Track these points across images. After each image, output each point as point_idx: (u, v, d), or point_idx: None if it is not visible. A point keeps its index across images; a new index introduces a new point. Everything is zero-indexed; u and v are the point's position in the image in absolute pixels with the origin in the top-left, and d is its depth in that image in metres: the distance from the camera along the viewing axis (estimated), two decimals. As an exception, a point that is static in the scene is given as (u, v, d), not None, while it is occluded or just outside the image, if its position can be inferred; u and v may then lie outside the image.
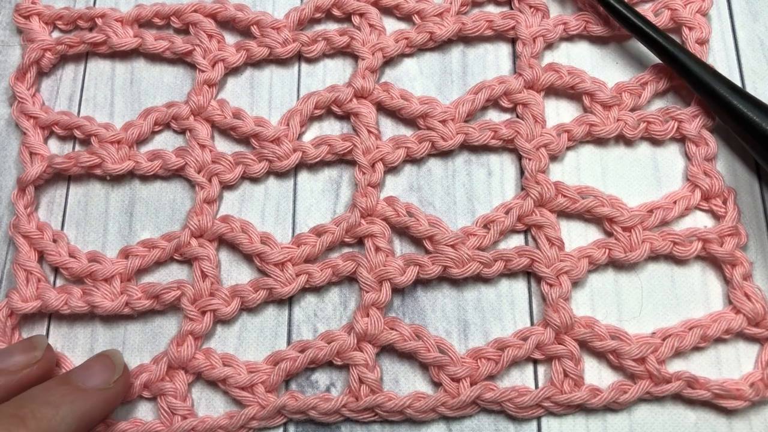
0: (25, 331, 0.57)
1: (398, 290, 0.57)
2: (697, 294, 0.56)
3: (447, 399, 0.53)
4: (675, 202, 0.57)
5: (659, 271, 0.57)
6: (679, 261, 0.57)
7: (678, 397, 0.54)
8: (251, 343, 0.57)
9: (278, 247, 0.57)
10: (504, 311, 0.57)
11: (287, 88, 0.62)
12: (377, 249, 0.56)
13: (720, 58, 0.62)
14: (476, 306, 0.57)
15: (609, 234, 0.57)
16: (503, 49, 0.63)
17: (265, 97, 0.62)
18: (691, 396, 0.53)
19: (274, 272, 0.56)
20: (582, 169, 0.60)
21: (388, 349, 0.56)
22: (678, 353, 0.54)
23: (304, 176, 0.60)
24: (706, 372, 0.54)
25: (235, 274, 0.58)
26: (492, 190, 0.59)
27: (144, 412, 0.55)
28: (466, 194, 0.59)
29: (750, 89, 0.61)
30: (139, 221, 0.60)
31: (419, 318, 0.57)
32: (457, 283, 0.57)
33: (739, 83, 0.61)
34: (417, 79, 0.62)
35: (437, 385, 0.54)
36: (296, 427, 0.55)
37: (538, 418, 0.54)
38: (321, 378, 0.56)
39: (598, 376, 0.55)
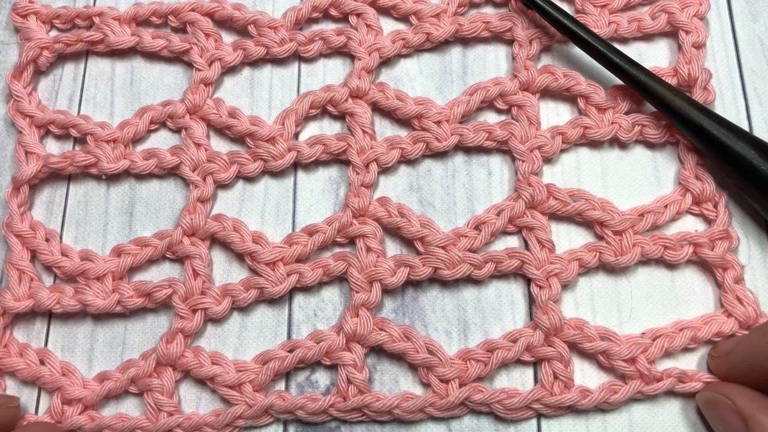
0: (24, 330, 0.58)
1: (398, 290, 0.57)
2: (697, 296, 0.56)
3: (435, 400, 0.53)
4: (666, 206, 0.57)
5: (659, 273, 0.57)
6: (674, 264, 0.57)
7: (677, 397, 0.54)
8: (251, 343, 0.57)
9: (270, 246, 0.57)
10: (504, 311, 0.57)
11: (287, 89, 0.63)
12: (368, 249, 0.56)
13: (720, 58, 0.62)
14: (476, 306, 0.57)
15: (600, 238, 0.57)
16: (502, 50, 0.63)
17: (265, 97, 0.62)
18: (683, 390, 0.53)
19: (265, 271, 0.56)
20: (582, 171, 0.59)
21: (384, 357, 0.56)
22: (669, 353, 0.54)
23: (304, 176, 0.60)
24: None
25: (235, 273, 0.58)
26: (492, 190, 0.59)
27: (131, 407, 0.56)
28: (466, 194, 0.59)
29: (750, 89, 0.61)
30: (139, 221, 0.60)
31: (419, 318, 0.57)
32: (457, 283, 0.57)
33: (739, 83, 0.61)
34: (417, 79, 0.62)
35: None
36: (296, 427, 0.55)
37: (538, 418, 0.54)
38: (321, 378, 0.56)
39: (597, 377, 0.55)
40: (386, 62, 0.62)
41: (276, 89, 0.63)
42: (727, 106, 0.60)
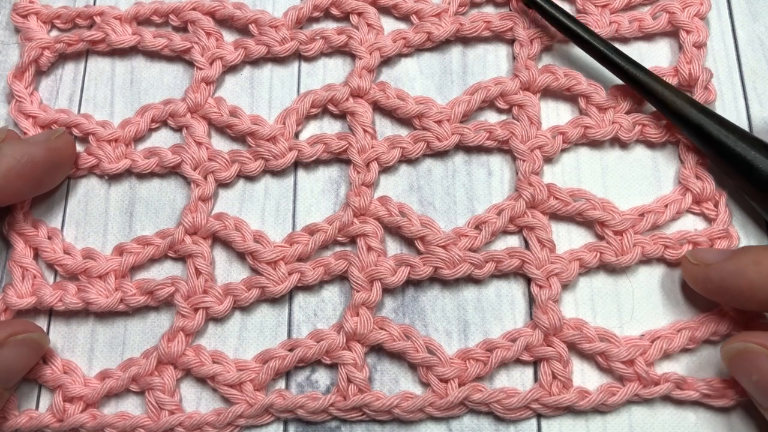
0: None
1: (398, 290, 0.57)
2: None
3: (435, 399, 0.53)
4: (666, 206, 0.57)
5: (659, 272, 0.57)
6: (674, 264, 0.57)
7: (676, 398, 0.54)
8: (251, 343, 0.57)
9: (271, 245, 0.57)
10: (504, 311, 0.57)
11: (287, 88, 0.63)
12: (369, 248, 0.56)
13: (720, 58, 0.62)
14: (476, 306, 0.57)
15: (601, 238, 0.57)
16: (503, 50, 0.63)
17: (265, 97, 0.62)
18: (680, 397, 0.53)
19: (266, 271, 0.56)
20: (582, 171, 0.60)
21: (385, 356, 0.56)
22: (668, 355, 0.54)
23: (304, 176, 0.60)
24: (713, 368, 0.55)
25: (235, 273, 0.58)
26: (492, 190, 0.59)
27: (132, 406, 0.56)
28: (466, 194, 0.59)
29: (750, 89, 0.61)
30: (139, 221, 0.60)
31: (419, 318, 0.57)
32: (457, 282, 0.57)
33: (739, 83, 0.61)
34: (417, 79, 0.62)
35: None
36: (296, 427, 0.55)
37: (538, 419, 0.54)
38: (321, 378, 0.56)
39: (597, 378, 0.55)
40: (386, 62, 0.63)
41: (276, 89, 0.63)
42: (727, 106, 0.60)
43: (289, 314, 0.57)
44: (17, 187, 0.55)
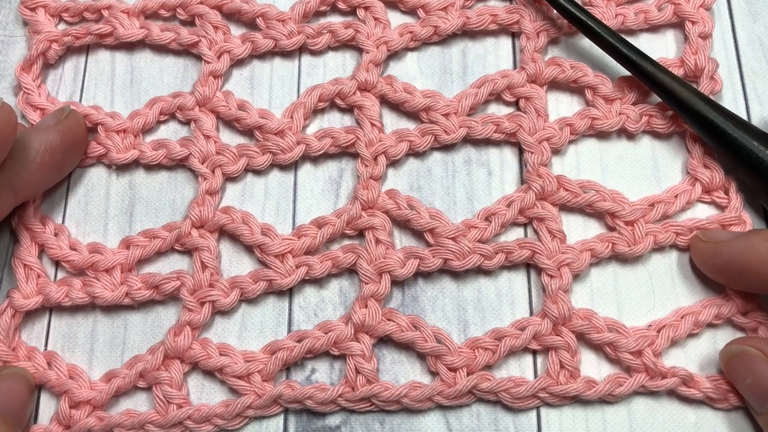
0: (24, 329, 0.57)
1: (398, 290, 0.57)
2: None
3: (443, 388, 0.53)
4: (676, 196, 0.57)
5: (665, 262, 0.57)
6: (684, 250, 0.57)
7: (678, 396, 0.54)
8: (251, 343, 0.57)
9: (279, 238, 0.57)
10: (504, 311, 0.57)
11: (287, 89, 0.63)
12: (377, 241, 0.56)
13: (720, 58, 0.61)
14: (476, 306, 0.57)
15: (611, 229, 0.57)
16: (503, 49, 0.63)
17: (265, 97, 0.62)
18: (685, 394, 0.53)
19: (274, 264, 0.56)
20: (582, 164, 0.60)
21: (390, 348, 0.56)
22: (675, 342, 0.55)
23: (304, 177, 0.60)
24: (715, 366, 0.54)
25: (236, 266, 0.58)
26: (492, 190, 0.59)
27: (140, 402, 0.55)
28: (466, 194, 0.59)
29: (750, 89, 0.61)
30: (139, 222, 0.60)
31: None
32: (457, 282, 0.57)
33: (739, 83, 0.61)
34: (417, 79, 0.62)
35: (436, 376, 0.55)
36: (296, 426, 0.55)
37: (538, 417, 0.54)
38: (321, 378, 0.56)
39: (597, 369, 0.55)
40: (386, 62, 0.63)
41: (276, 89, 0.63)
42: (727, 106, 0.59)
43: (289, 314, 0.57)
44: (43, 177, 0.56)
